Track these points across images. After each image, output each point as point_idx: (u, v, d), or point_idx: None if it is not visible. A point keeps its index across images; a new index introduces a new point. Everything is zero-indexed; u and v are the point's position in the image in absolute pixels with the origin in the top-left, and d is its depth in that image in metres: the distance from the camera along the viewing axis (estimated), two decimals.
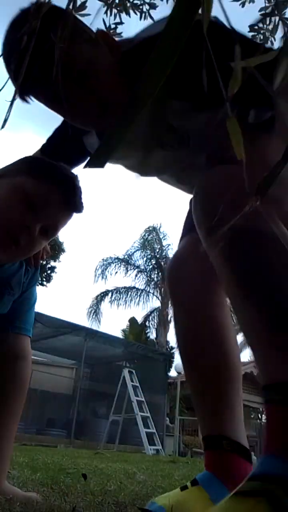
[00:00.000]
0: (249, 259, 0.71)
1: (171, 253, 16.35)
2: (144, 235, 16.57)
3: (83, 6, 2.00)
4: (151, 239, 16.62)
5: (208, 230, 0.73)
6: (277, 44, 2.29)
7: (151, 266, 16.35)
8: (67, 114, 0.92)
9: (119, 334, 17.53)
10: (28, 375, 1.05)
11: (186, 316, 1.04)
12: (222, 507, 0.65)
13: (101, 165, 0.32)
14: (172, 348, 16.87)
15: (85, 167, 0.32)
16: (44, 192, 0.92)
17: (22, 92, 0.87)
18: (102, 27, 2.27)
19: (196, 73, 0.86)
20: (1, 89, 0.40)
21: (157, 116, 0.88)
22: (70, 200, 0.96)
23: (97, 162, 0.32)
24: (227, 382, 0.96)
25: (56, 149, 1.18)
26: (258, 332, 0.69)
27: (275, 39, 2.31)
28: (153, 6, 2.39)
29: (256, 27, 2.21)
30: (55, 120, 0.96)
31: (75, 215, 1.00)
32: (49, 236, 0.97)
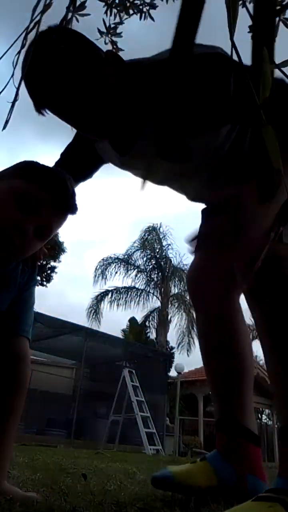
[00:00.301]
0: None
1: (171, 253, 16.40)
2: (144, 235, 16.58)
3: (83, 6, 1.99)
4: (151, 239, 16.61)
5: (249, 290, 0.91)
6: (277, 44, 2.28)
7: (151, 266, 16.35)
8: (78, 127, 1.01)
9: (119, 334, 17.54)
10: (27, 376, 1.05)
11: (207, 320, 1.18)
12: (243, 507, 0.80)
13: (272, 194, 0.32)
14: (172, 348, 16.87)
15: (262, 202, 0.32)
16: (35, 193, 0.93)
17: (38, 105, 0.95)
18: (102, 27, 2.27)
19: (205, 101, 0.93)
20: (2, 91, 0.40)
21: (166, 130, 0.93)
22: (61, 202, 0.97)
23: (269, 193, 0.32)
24: (240, 379, 1.10)
25: (69, 163, 1.25)
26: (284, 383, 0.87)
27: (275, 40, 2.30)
28: (153, 6, 2.39)
29: None
30: (54, 120, 0.97)
31: (70, 216, 1.01)
32: (44, 238, 0.98)
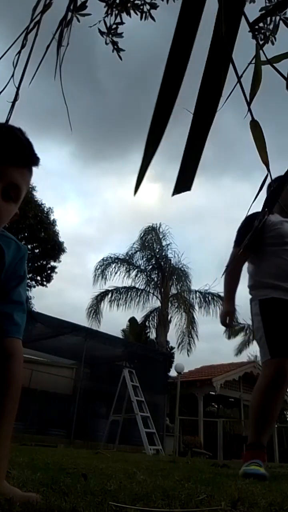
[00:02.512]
0: None
1: (170, 253, 16.39)
2: (144, 235, 16.57)
3: (83, 6, 2.00)
4: (150, 239, 16.61)
5: None
6: (277, 43, 2.29)
7: (151, 266, 16.35)
8: None
9: (119, 334, 17.55)
10: (19, 373, 1.05)
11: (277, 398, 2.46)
12: None
13: (188, 188, 0.32)
14: (172, 348, 16.87)
15: (173, 194, 0.32)
16: None
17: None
18: (103, 28, 2.27)
19: None
20: (2, 91, 0.40)
21: None
22: (19, 156, 0.92)
23: (183, 186, 0.32)
24: (271, 425, 2.50)
25: None
26: None
27: (275, 39, 2.31)
28: (153, 6, 2.39)
29: (256, 27, 2.21)
30: (51, 118, 0.97)
31: (35, 170, 0.97)
32: (16, 199, 0.94)
